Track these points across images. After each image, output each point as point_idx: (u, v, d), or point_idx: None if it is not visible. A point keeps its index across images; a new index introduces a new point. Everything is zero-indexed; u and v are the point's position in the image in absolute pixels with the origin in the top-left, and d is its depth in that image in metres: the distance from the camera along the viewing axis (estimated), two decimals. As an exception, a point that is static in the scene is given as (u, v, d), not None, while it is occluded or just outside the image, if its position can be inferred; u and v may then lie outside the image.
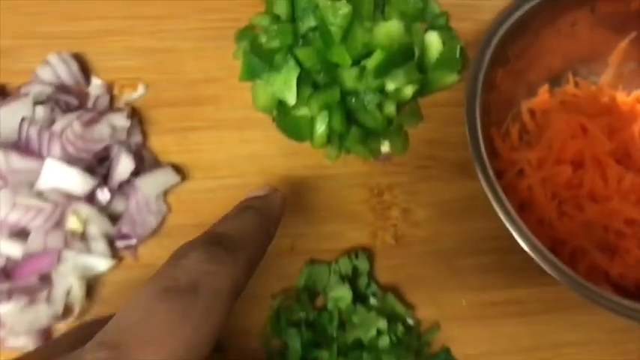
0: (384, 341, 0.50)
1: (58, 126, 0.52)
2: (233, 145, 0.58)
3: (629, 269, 0.53)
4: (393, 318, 0.53)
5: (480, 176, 0.50)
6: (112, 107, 0.57)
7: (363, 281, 0.54)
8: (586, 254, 0.54)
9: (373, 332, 0.51)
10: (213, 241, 0.36)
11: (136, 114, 0.57)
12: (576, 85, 0.62)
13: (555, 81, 0.63)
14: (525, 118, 0.61)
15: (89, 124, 0.52)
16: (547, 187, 0.56)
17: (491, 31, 0.54)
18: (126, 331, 0.30)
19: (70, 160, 0.51)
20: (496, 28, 0.55)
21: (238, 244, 0.37)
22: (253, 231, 0.40)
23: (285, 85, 0.56)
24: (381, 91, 0.58)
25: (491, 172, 0.50)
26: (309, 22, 0.57)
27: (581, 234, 0.54)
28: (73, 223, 0.50)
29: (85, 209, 0.51)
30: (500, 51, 0.55)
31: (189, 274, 0.33)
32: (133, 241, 0.52)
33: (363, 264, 0.54)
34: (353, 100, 0.58)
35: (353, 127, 0.58)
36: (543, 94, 0.62)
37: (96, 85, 0.57)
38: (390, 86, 0.57)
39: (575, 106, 0.59)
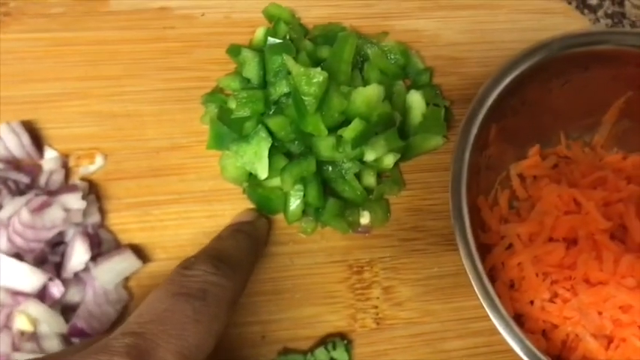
0: None
1: (4, 213, 0.47)
2: (200, 220, 0.53)
3: (627, 361, 0.49)
4: (374, 414, 0.49)
5: (463, 255, 0.46)
6: (67, 182, 0.52)
7: (341, 375, 0.50)
8: (580, 341, 0.50)
9: None
10: (218, 257, 0.42)
11: (93, 189, 0.53)
12: (568, 147, 0.58)
13: (547, 141, 0.59)
14: (515, 183, 0.57)
15: (40, 209, 0.48)
16: (538, 265, 0.52)
17: (484, 92, 0.50)
18: (148, 323, 0.35)
19: (19, 251, 0.47)
20: (489, 89, 0.50)
21: (236, 262, 0.44)
22: (246, 252, 0.46)
23: (256, 157, 0.52)
24: (360, 159, 0.54)
25: (474, 250, 0.46)
26: (281, 88, 0.53)
27: (574, 319, 0.50)
28: (21, 323, 0.46)
29: (35, 308, 0.46)
30: (493, 112, 0.50)
31: (198, 283, 0.39)
32: (90, 337, 0.48)
33: (340, 355, 0.50)
34: (329, 168, 0.54)
35: (330, 198, 0.53)
36: (534, 155, 0.58)
37: (50, 158, 0.52)
38: (370, 156, 0.52)
39: (568, 174, 0.55)
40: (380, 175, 0.56)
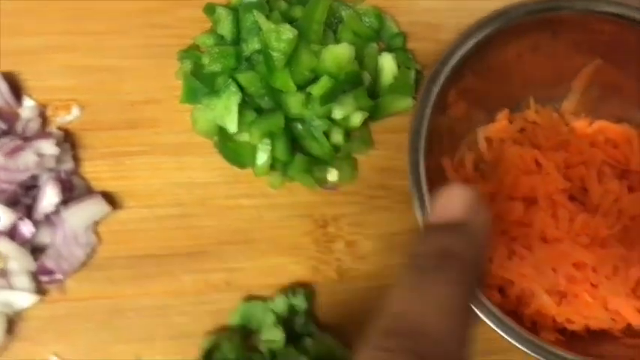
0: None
1: (-21, 155, 0.49)
2: (170, 171, 0.55)
3: (577, 315, 0.50)
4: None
5: (417, 213, 0.47)
6: (44, 130, 0.54)
7: (299, 321, 0.51)
8: (533, 297, 0.51)
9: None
10: (387, 347, 0.25)
11: (69, 138, 0.55)
12: (537, 112, 0.59)
13: (516, 107, 0.59)
14: (482, 146, 0.58)
15: (13, 152, 0.50)
16: (498, 223, 0.53)
17: (448, 53, 0.51)
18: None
19: (-9, 191, 0.49)
20: (453, 50, 0.51)
21: (430, 344, 0.25)
22: (454, 310, 0.27)
23: (226, 111, 0.53)
24: (329, 117, 0.55)
25: (428, 202, 0.47)
26: (253, 45, 0.54)
27: (530, 276, 0.51)
28: (-9, 259, 0.48)
29: (5, 245, 0.48)
30: (456, 73, 0.51)
31: None
32: (58, 277, 0.50)
33: (300, 302, 0.52)
34: (299, 126, 0.55)
35: (298, 154, 0.55)
36: (502, 119, 0.59)
37: (28, 107, 0.54)
38: (338, 114, 0.54)
39: (533, 137, 0.56)
40: (349, 134, 0.57)
